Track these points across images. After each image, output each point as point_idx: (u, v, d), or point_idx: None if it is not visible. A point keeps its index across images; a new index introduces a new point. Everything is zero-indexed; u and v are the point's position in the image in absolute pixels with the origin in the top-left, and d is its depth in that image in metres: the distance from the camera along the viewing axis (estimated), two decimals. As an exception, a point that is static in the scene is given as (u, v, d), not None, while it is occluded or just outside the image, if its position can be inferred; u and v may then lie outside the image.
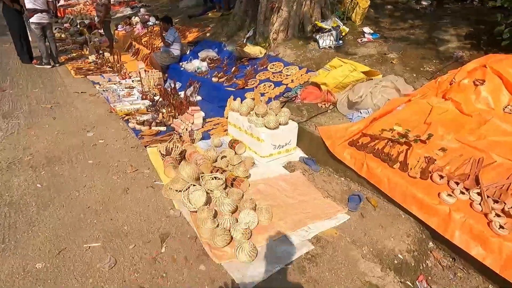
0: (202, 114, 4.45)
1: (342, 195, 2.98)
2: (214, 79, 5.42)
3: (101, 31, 9.87)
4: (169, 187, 2.90)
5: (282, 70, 5.11)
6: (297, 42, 5.76)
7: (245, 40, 6.47)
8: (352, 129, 3.32)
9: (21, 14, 7.01)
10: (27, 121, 4.36)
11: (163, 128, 4.31)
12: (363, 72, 3.97)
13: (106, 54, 7.89)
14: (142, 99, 5.46)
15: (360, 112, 3.55)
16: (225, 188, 2.91)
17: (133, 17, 10.02)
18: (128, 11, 11.98)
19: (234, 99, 4.71)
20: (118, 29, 9.76)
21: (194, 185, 2.69)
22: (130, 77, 6.57)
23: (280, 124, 3.42)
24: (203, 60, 6.19)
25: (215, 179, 2.94)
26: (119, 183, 3.07)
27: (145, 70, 6.96)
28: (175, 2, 11.71)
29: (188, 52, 6.94)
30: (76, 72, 6.73)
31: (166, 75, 6.67)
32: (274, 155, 3.51)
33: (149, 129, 4.22)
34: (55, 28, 9.83)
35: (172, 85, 5.65)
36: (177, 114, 4.69)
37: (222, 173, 3.07)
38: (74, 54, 8.04)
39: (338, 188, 3.08)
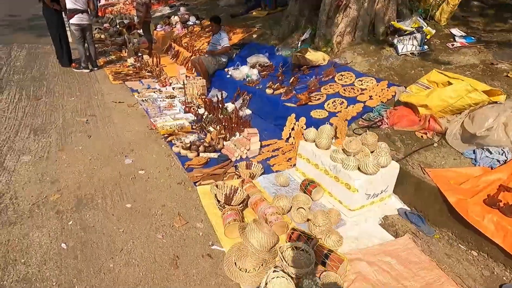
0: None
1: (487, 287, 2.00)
2: (268, 91, 4.52)
3: (140, 31, 9.31)
4: (233, 261, 2.05)
5: (354, 82, 4.10)
6: (368, 46, 4.71)
7: (299, 43, 5.52)
8: (489, 178, 2.28)
9: (61, 15, 6.50)
10: (59, 140, 3.68)
11: (213, 155, 3.47)
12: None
13: (145, 57, 7.24)
14: (185, 111, 4.70)
15: (490, 152, 2.51)
16: (315, 265, 2.01)
17: (172, 16, 9.34)
18: (166, 10, 11.36)
19: (296, 118, 3.80)
20: (157, 29, 9.10)
21: (275, 270, 1.83)
22: (170, 84, 5.85)
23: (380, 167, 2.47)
24: (252, 66, 5.31)
25: (298, 250, 2.07)
26: (166, 248, 2.23)
27: (186, 76, 6.25)
28: (215, 0, 10.94)
29: (234, 56, 6.10)
30: (114, 77, 6.10)
31: (210, 83, 5.89)
32: (366, 206, 2.56)
33: (197, 157, 3.42)
34: (95, 29, 9.37)
35: (219, 96, 4.84)
36: (227, 136, 3.87)
37: (306, 239, 2.17)
38: (113, 57, 7.46)
39: (475, 271, 2.06)
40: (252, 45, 6.19)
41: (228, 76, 5.42)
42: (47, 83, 5.57)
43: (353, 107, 3.64)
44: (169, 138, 3.77)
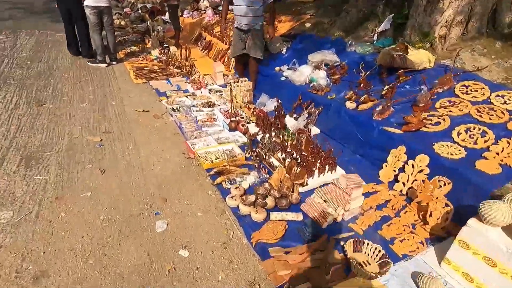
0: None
1: None
2: (350, 105, 3.10)
3: (165, 17, 7.95)
4: None
5: (489, 98, 2.69)
6: (490, 43, 3.23)
7: (375, 36, 4.06)
8: None
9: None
10: (59, 177, 2.42)
11: (292, 217, 2.10)
12: None
13: (172, 49, 5.91)
14: (230, 128, 3.40)
15: None
16: None
17: (201, 0, 7.93)
18: (193, -8, 9.90)
19: (407, 153, 2.43)
20: (184, 15, 7.73)
21: None
22: (206, 86, 4.54)
23: None
24: (317, 67, 3.93)
25: None
26: None
27: (224, 75, 4.90)
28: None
29: (284, 51, 4.71)
30: (136, 74, 4.79)
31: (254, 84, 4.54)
32: None
33: (269, 222, 2.05)
34: (114, 14, 8.06)
35: (273, 106, 3.51)
36: (306, 179, 2.56)
37: None
38: (135, 48, 6.14)
39: None
40: (308, 37, 4.75)
41: (282, 78, 4.06)
42: (54, 81, 4.32)
43: (504, 142, 2.25)
44: (218, 180, 2.49)
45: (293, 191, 2.35)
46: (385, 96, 2.99)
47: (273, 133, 3.13)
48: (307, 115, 3.37)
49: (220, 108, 3.79)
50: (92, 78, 4.53)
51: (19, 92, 3.90)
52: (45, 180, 2.40)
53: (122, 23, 7.57)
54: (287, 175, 2.44)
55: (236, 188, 2.31)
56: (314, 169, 2.53)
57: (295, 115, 3.55)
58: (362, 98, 3.01)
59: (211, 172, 2.53)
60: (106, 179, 2.45)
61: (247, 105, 3.85)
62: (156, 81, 4.62)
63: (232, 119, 3.42)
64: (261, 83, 4.37)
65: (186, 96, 4.13)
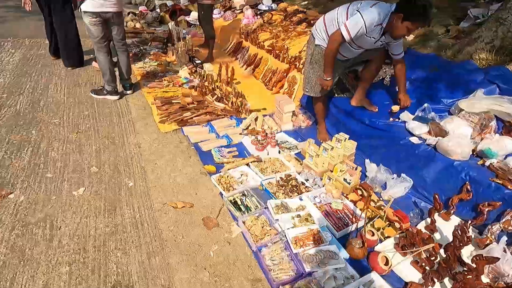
0: None
1: None
2: None
3: (189, 18, 6.15)
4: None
5: None
6: None
7: None
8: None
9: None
10: None
11: None
12: None
13: (207, 67, 4.17)
14: (355, 256, 1.69)
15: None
16: None
17: (235, -4, 6.09)
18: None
19: None
20: (213, 16, 5.94)
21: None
22: (276, 143, 2.77)
23: None
24: (484, 124, 2.18)
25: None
26: None
27: (293, 114, 3.15)
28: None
29: (388, 80, 2.92)
30: (163, 114, 2.99)
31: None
32: None
33: None
34: (127, 14, 6.27)
35: (401, 186, 1.79)
36: None
37: None
38: (154, 63, 4.44)
39: None
40: (424, 58, 2.95)
41: (413, 140, 2.24)
42: (36, 134, 2.57)
43: None
44: None
45: None
46: None
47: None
48: (501, 233, 1.67)
49: (317, 201, 2.08)
50: (96, 124, 2.82)
51: (-25, 162, 2.25)
52: None
53: (137, 26, 5.77)
54: None
55: None
56: None
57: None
58: None
59: None
60: None
61: (361, 189, 2.14)
62: (193, 128, 2.91)
63: (358, 243, 1.71)
64: (358, 135, 2.64)
65: (248, 164, 2.43)
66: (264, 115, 3.15)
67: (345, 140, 2.39)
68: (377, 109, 2.66)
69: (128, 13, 5.99)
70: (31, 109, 2.93)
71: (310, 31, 4.23)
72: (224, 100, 3.45)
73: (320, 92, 2.62)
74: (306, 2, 5.31)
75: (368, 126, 2.57)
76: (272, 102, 3.46)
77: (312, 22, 4.40)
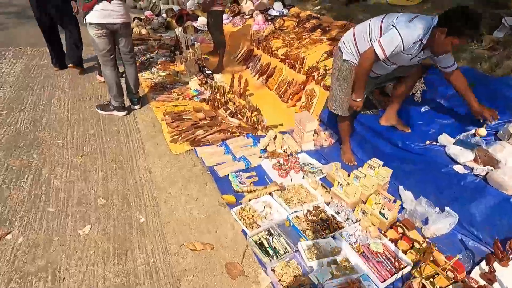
0: None
1: None
2: None
3: (197, 23, 5.90)
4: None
5: None
6: None
7: None
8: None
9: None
10: None
11: None
12: None
13: (218, 78, 3.92)
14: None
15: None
16: None
17: (244, 1, 5.83)
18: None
19: None
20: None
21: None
22: (300, 168, 2.41)
23: None
24: None
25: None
26: None
27: (315, 132, 2.88)
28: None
29: (418, 97, 2.66)
30: (173, 133, 2.75)
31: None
32: None
33: None
34: (133, 19, 6.03)
35: (445, 221, 1.56)
36: None
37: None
38: (162, 74, 4.18)
39: None
40: (481, 79, 2.65)
41: (457, 169, 1.95)
42: (38, 157, 2.31)
43: None
44: None
45: None
46: None
47: None
48: None
49: (352, 241, 1.81)
50: (102, 144, 2.57)
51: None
52: None
53: (143, 32, 5.53)
54: None
55: None
56: None
57: None
58: None
59: None
60: None
61: (402, 226, 1.88)
62: (207, 148, 2.66)
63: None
64: (389, 158, 2.39)
65: (270, 193, 2.19)
66: (282, 132, 2.90)
67: (378, 167, 2.14)
68: (409, 130, 2.41)
69: (134, 19, 5.75)
70: (32, 127, 2.70)
71: (327, 38, 4.02)
72: (238, 115, 3.20)
73: (348, 110, 2.37)
74: (319, 7, 5.05)
75: (401, 149, 2.32)
76: (289, 116, 3.23)
77: (327, 28, 4.14)
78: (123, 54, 2.83)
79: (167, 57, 4.58)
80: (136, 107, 3.15)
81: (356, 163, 2.56)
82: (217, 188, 2.18)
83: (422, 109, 2.49)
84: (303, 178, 2.33)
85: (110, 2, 2.44)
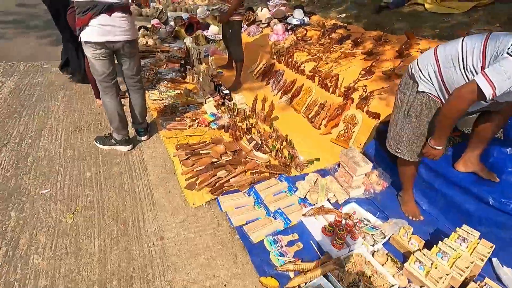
0: None
1: None
2: None
3: (208, 32, 5.33)
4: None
5: None
6: None
7: None
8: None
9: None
10: None
11: None
12: None
13: (239, 100, 3.33)
14: None
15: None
16: None
17: (259, 8, 5.26)
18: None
19: None
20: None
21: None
22: (358, 226, 1.72)
23: None
24: None
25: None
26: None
27: (366, 177, 2.26)
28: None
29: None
30: (188, 172, 2.19)
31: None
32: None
33: None
34: (138, 28, 5.48)
35: None
36: None
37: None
38: (172, 93, 3.53)
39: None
40: None
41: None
42: (17, 216, 1.69)
43: None
44: None
45: None
46: None
47: None
48: None
49: None
50: (101, 194, 1.97)
51: None
52: None
53: (150, 42, 4.96)
54: None
55: None
56: None
57: None
58: None
59: None
60: None
61: None
62: (232, 198, 2.07)
63: None
64: (472, 217, 1.80)
65: (326, 275, 1.60)
66: (322, 172, 2.31)
67: (475, 241, 1.55)
68: (498, 179, 1.82)
69: (139, 28, 5.19)
70: (14, 171, 2.12)
71: (362, 52, 3.43)
72: (265, 146, 2.62)
73: (418, 156, 1.79)
74: (344, 15, 4.46)
75: (492, 208, 1.73)
76: (324, 146, 2.66)
77: (359, 40, 3.55)
78: (127, 78, 2.26)
79: (176, 72, 4.00)
80: (143, 138, 2.57)
81: (422, 218, 1.97)
82: (251, 264, 1.60)
83: (509, 150, 1.90)
84: (361, 244, 1.75)
85: (110, 16, 1.88)
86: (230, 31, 3.42)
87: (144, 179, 2.15)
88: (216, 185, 2.13)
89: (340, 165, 2.21)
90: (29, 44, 4.55)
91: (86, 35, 1.89)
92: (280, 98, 3.47)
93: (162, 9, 6.08)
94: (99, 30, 1.90)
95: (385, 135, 1.96)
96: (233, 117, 2.99)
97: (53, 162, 2.23)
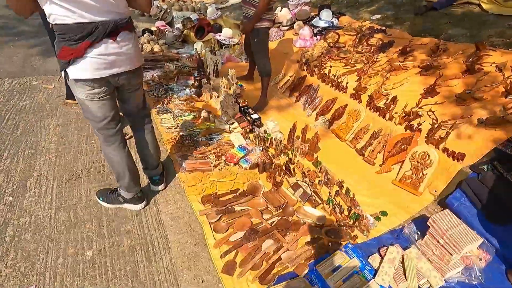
0: None
1: None
2: None
3: (221, 36, 4.62)
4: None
5: None
6: None
7: None
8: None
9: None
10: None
11: None
12: None
13: (272, 128, 2.67)
14: None
15: None
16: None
17: (278, 8, 4.55)
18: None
19: None
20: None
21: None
22: None
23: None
24: None
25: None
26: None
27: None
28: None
29: None
30: (223, 244, 1.53)
31: None
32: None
33: None
34: (142, 33, 4.75)
35: None
36: None
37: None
38: (189, 117, 2.83)
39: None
40: None
41: None
42: None
43: None
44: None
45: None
46: None
47: None
48: None
49: None
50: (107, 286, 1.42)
51: None
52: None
53: (156, 49, 4.25)
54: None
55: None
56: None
57: None
58: None
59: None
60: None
61: None
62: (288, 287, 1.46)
63: None
64: None
65: None
66: (395, 234, 1.70)
67: None
68: None
69: (143, 32, 4.48)
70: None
71: (419, 66, 2.76)
72: (314, 195, 1.99)
73: None
74: (379, 16, 3.78)
75: None
76: (386, 193, 2.05)
77: (408, 49, 2.89)
78: (133, 116, 1.61)
79: (190, 87, 3.33)
80: (160, 188, 1.93)
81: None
82: None
83: None
84: None
85: (115, 40, 1.23)
86: (255, 40, 2.74)
87: (165, 258, 1.54)
88: (263, 267, 1.52)
89: (429, 233, 1.60)
90: (16, 57, 3.83)
91: (79, 71, 1.23)
92: (316, 119, 2.84)
93: (167, 8, 5.34)
94: (97, 63, 1.23)
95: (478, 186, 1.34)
96: (265, 149, 2.36)
97: (41, 234, 1.60)
